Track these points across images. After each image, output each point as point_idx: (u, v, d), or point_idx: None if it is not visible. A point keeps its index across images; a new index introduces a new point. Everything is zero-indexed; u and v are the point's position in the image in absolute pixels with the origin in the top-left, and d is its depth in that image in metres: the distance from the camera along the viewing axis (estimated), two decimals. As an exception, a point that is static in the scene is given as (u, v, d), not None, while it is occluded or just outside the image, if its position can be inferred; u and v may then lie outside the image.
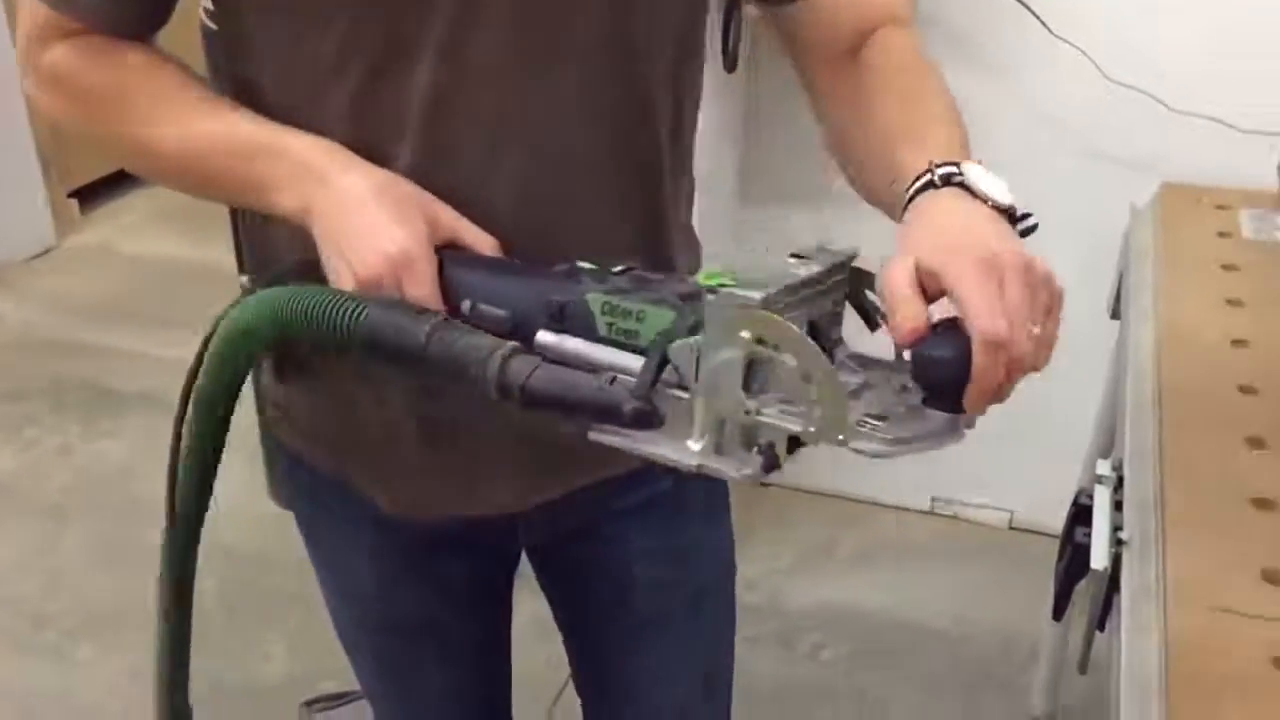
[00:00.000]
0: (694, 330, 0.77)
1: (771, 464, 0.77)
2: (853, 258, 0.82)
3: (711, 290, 0.77)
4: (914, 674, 2.32)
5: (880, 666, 2.34)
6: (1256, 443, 1.03)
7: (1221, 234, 1.48)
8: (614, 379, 0.79)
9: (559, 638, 1.31)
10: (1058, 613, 1.39)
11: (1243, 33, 2.09)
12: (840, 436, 0.72)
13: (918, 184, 0.82)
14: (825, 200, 2.32)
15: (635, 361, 0.79)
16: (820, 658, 2.38)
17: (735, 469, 0.77)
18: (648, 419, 0.78)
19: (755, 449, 0.77)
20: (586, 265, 0.87)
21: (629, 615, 1.22)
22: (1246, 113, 2.04)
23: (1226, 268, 1.37)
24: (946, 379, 0.72)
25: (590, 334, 0.82)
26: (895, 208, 0.85)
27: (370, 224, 0.86)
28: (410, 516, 1.09)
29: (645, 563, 1.19)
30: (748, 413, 0.75)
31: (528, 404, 0.80)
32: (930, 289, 0.76)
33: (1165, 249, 1.47)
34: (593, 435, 0.81)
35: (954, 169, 0.81)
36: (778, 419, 0.75)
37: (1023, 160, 2.23)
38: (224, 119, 0.92)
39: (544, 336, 0.84)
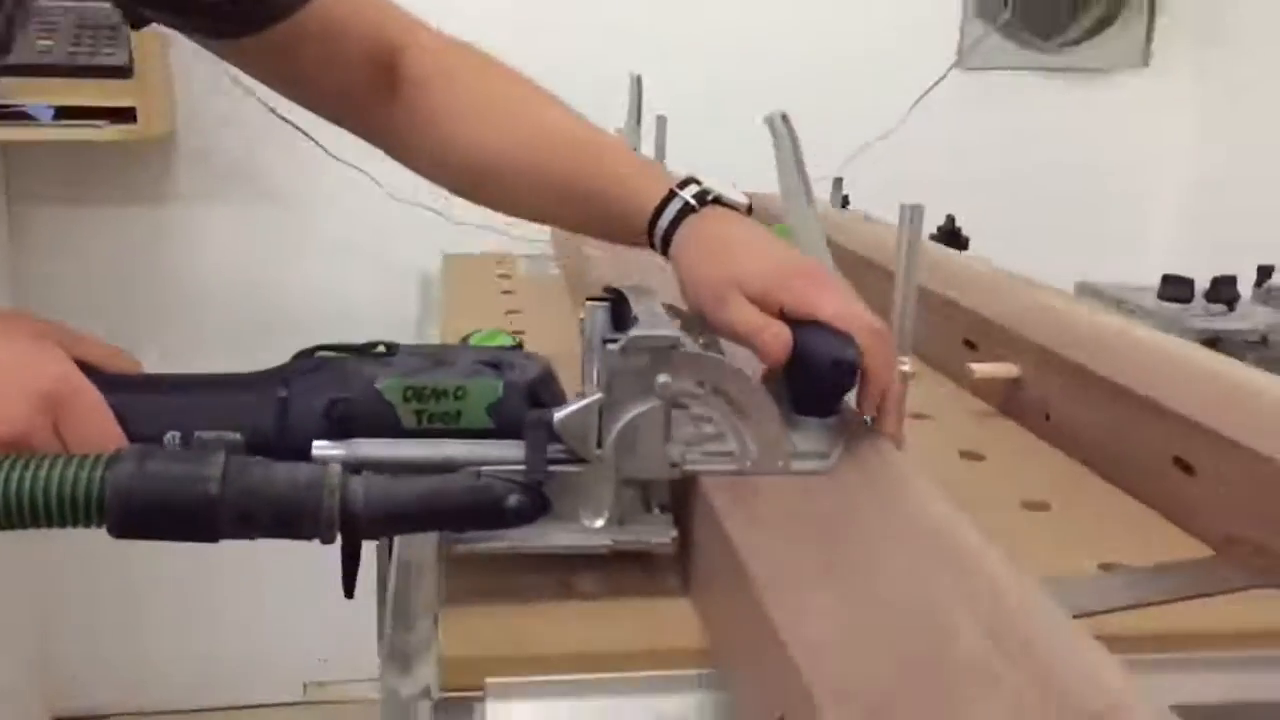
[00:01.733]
0: (533, 395, 0.67)
1: (676, 519, 0.69)
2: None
3: (512, 349, 0.68)
4: None
5: None
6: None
7: (501, 275, 1.77)
8: (479, 473, 0.65)
9: None
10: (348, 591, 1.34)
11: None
12: (781, 463, 0.68)
13: (670, 211, 0.81)
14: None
15: (485, 449, 0.66)
16: None
17: (652, 535, 0.68)
18: (536, 511, 0.65)
19: (656, 509, 0.68)
20: (330, 353, 0.71)
21: None
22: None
23: (506, 292, 1.65)
24: (850, 382, 0.71)
25: (392, 430, 0.67)
26: (601, 229, 0.87)
27: None
28: None
29: None
30: (674, 465, 0.67)
31: (384, 529, 0.63)
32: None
33: (452, 294, 1.65)
34: (462, 548, 0.66)
35: (698, 186, 0.81)
36: (708, 463, 0.67)
37: (324, 275, 2.24)
38: None
39: (325, 449, 0.66)
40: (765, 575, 0.56)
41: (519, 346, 0.73)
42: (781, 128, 0.83)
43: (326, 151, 2.14)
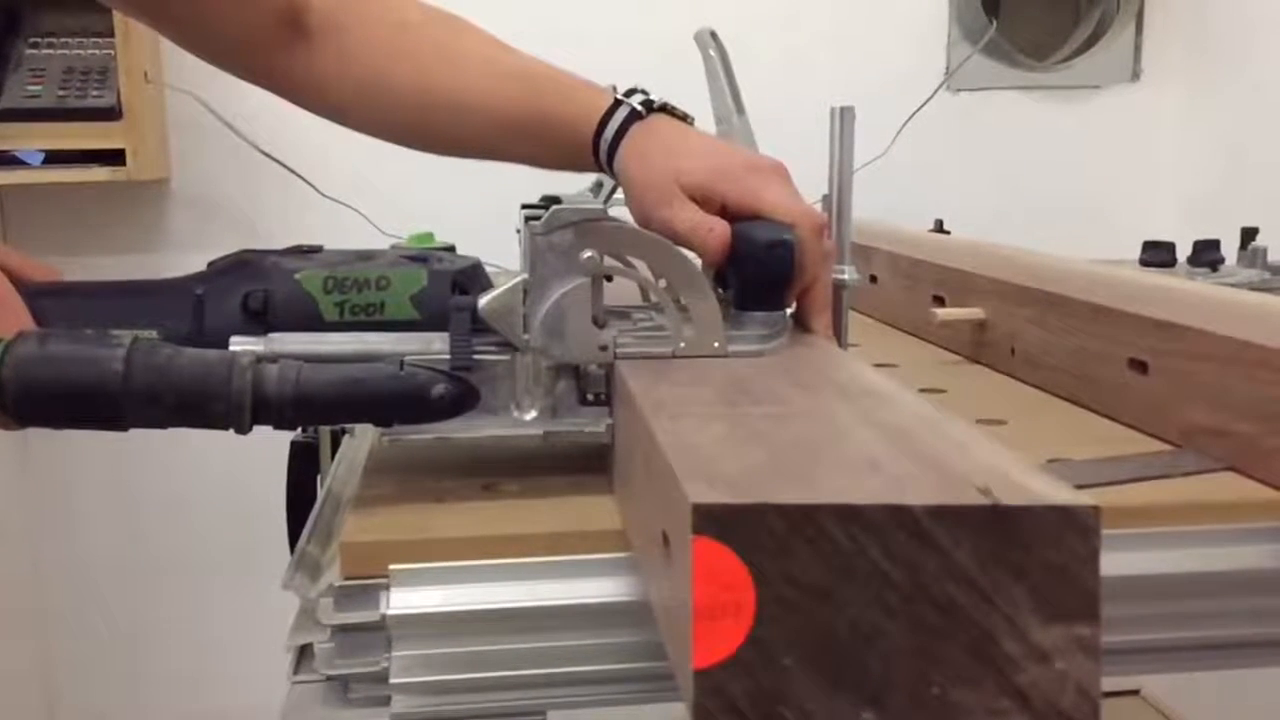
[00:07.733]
0: (459, 285, 0.66)
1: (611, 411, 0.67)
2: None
3: (442, 248, 0.67)
4: None
5: None
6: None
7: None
8: (402, 364, 0.64)
9: None
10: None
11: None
12: (716, 344, 0.66)
13: (616, 119, 0.79)
14: None
15: (410, 341, 0.65)
16: None
17: (586, 425, 0.66)
18: (465, 400, 0.64)
19: (591, 398, 0.67)
20: (255, 249, 0.71)
21: None
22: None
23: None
24: (788, 264, 0.69)
25: (312, 323, 0.66)
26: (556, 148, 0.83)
27: None
28: None
29: None
30: (603, 348, 0.65)
31: (301, 417, 0.61)
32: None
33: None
34: (387, 438, 0.64)
35: (644, 95, 0.80)
36: (640, 347, 0.66)
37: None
38: None
39: (242, 344, 0.65)
40: (659, 407, 0.54)
41: (451, 248, 0.72)
42: (710, 42, 0.82)
43: (318, 190, 2.16)
